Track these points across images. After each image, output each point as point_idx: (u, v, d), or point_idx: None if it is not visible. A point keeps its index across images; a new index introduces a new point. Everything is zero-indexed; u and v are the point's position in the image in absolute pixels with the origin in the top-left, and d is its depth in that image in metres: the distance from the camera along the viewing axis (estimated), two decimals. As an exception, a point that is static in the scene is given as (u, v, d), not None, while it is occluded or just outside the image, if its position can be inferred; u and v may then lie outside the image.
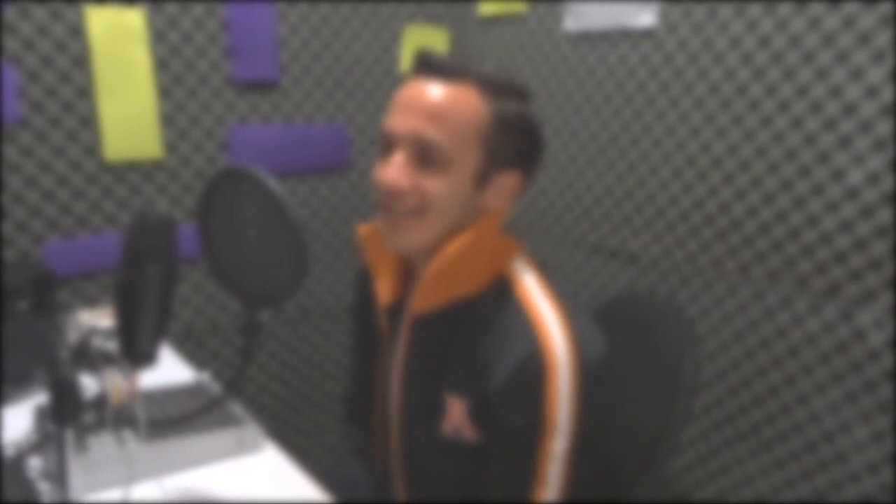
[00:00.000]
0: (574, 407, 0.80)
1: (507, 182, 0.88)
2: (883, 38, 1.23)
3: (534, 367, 0.79)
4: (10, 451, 0.93)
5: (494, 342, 0.84)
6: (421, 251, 0.88)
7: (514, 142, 0.87)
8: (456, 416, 0.87)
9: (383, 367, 0.98)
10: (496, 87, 0.85)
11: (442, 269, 0.85)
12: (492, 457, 0.85)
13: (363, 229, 0.96)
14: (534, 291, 0.86)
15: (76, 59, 1.52)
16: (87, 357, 0.81)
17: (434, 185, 0.82)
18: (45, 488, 0.87)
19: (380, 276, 0.95)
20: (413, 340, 0.92)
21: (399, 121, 0.84)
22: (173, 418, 0.93)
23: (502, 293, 0.86)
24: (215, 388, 1.20)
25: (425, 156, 0.82)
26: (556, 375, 0.79)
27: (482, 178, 0.85)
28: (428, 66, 0.85)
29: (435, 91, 0.83)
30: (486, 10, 1.98)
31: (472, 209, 0.86)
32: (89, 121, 1.56)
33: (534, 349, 0.80)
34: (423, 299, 0.87)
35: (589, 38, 1.73)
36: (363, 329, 1.07)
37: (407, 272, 0.96)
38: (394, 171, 0.82)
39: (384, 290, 0.94)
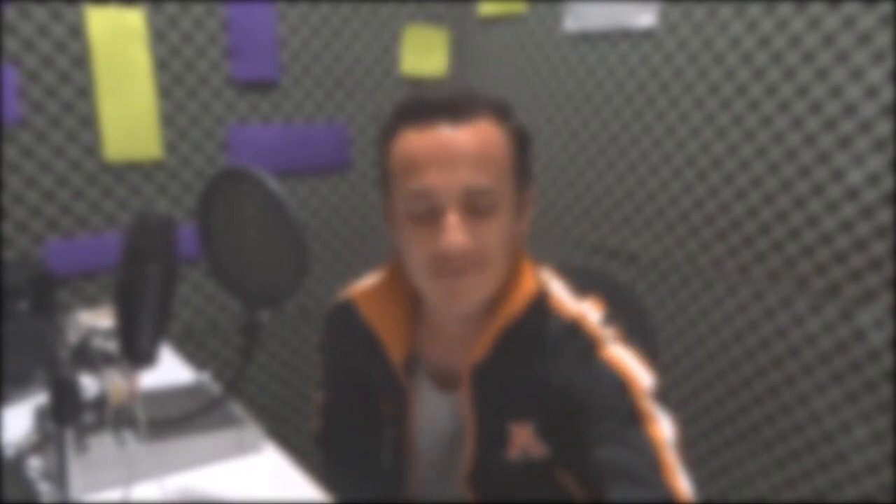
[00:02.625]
0: (637, 355, 0.84)
1: (529, 201, 0.87)
2: (883, 38, 1.23)
3: (602, 368, 0.82)
4: (10, 451, 0.93)
5: (553, 359, 0.84)
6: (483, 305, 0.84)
7: (526, 157, 0.85)
8: (522, 439, 0.87)
9: (408, 421, 0.93)
10: (501, 109, 0.83)
11: (510, 312, 0.83)
12: (596, 440, 0.82)
13: (358, 295, 0.93)
14: (565, 297, 0.88)
15: (76, 59, 1.52)
16: (87, 357, 0.81)
17: (491, 232, 0.79)
18: (45, 488, 0.87)
19: (388, 336, 0.90)
20: (475, 386, 0.87)
21: (440, 178, 0.77)
22: (173, 418, 0.92)
23: (540, 310, 0.86)
24: (215, 388, 1.20)
25: (475, 205, 0.78)
26: (612, 352, 0.82)
27: (517, 207, 0.84)
28: (435, 109, 0.79)
29: (464, 136, 0.78)
30: (486, 10, 1.98)
31: (513, 241, 0.84)
32: (89, 121, 1.56)
33: (593, 354, 0.82)
34: (481, 347, 0.84)
35: (589, 38, 1.73)
36: (348, 378, 1.02)
37: (410, 320, 0.93)
38: (456, 235, 0.76)
39: (398, 349, 0.89)
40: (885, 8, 1.22)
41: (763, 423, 1.49)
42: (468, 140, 0.78)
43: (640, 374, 0.82)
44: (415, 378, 0.92)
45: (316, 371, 2.05)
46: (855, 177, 1.30)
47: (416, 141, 0.79)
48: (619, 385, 0.81)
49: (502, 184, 0.80)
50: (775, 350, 1.45)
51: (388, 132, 0.83)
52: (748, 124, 1.44)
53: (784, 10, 1.35)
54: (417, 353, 0.92)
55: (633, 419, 0.79)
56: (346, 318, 0.98)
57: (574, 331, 0.84)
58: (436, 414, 0.93)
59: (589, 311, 0.86)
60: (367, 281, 0.96)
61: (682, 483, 0.78)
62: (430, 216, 0.78)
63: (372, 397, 0.99)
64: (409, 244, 0.81)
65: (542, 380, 0.84)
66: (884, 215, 1.27)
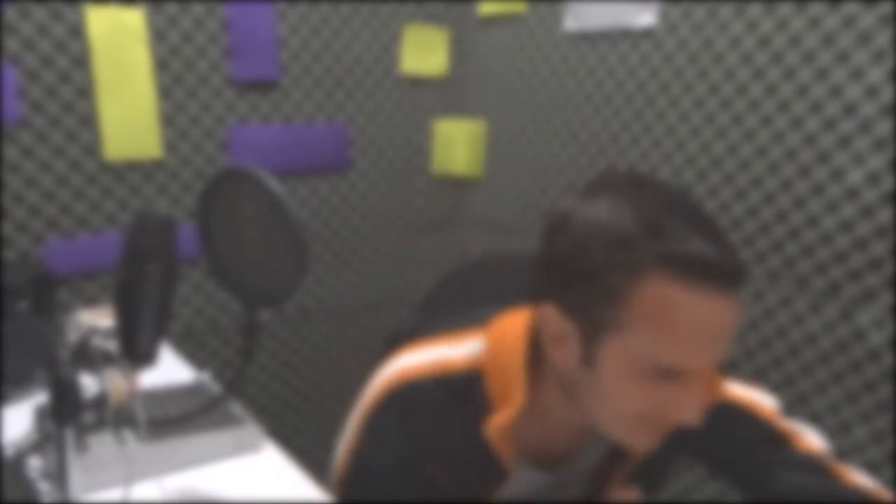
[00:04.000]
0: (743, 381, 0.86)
1: None
2: (883, 38, 1.23)
3: (729, 415, 0.83)
4: (10, 451, 0.93)
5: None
6: None
7: None
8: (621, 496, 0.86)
9: (483, 497, 0.85)
10: None
11: None
12: (758, 477, 0.82)
13: (497, 431, 0.76)
14: None
15: (76, 59, 1.52)
16: (87, 357, 0.81)
17: None
18: (45, 488, 0.87)
19: (509, 449, 0.79)
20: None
21: (710, 357, 0.66)
22: (173, 418, 0.93)
23: None
24: (215, 388, 1.20)
25: None
26: (732, 393, 0.84)
27: None
28: (732, 276, 0.65)
29: (736, 317, 0.66)
30: (486, 10, 1.98)
31: None
32: (89, 121, 1.56)
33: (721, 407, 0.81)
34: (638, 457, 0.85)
35: (589, 38, 1.73)
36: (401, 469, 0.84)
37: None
38: (700, 409, 0.68)
39: (508, 447, 0.78)
40: (885, 8, 1.22)
41: (763, 423, 1.49)
42: (738, 316, 0.67)
43: (760, 399, 0.85)
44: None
45: (315, 371, 2.06)
46: (855, 177, 1.30)
47: (702, 310, 0.63)
48: (750, 420, 0.83)
49: None
50: (775, 350, 1.45)
51: (641, 259, 0.64)
52: (748, 124, 1.44)
53: (784, 10, 1.35)
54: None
55: (780, 440, 0.82)
56: (429, 401, 0.81)
57: None
58: (523, 490, 0.86)
59: None
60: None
61: (860, 479, 0.79)
62: (671, 375, 0.66)
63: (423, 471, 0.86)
64: (628, 390, 0.68)
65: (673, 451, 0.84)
66: (884, 215, 1.27)
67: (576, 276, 0.68)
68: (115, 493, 0.90)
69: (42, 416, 0.95)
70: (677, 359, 0.65)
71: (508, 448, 0.78)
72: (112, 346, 0.88)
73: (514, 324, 0.80)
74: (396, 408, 0.81)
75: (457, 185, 2.16)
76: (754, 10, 1.39)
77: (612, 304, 0.65)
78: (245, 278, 0.83)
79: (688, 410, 0.66)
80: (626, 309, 0.65)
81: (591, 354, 0.69)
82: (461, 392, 0.79)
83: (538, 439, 0.82)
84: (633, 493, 0.84)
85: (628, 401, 0.68)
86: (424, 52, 2.02)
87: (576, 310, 0.69)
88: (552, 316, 0.71)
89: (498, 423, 0.75)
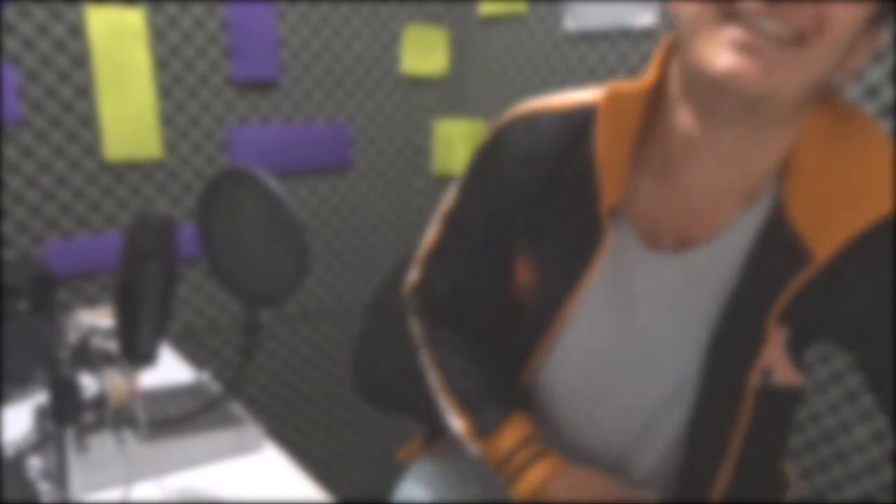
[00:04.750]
0: None
1: (874, 43, 0.63)
2: (883, 39, 1.23)
3: None
4: (10, 451, 0.93)
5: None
6: (776, 102, 0.60)
7: None
8: (772, 350, 0.71)
9: (574, 280, 0.75)
10: None
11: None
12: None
13: (611, 101, 0.70)
14: None
15: (76, 59, 1.52)
16: (87, 357, 0.82)
17: (842, 5, 0.55)
18: (45, 488, 0.87)
19: (615, 165, 0.69)
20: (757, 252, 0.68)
21: None
22: (173, 418, 0.93)
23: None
24: (215, 388, 1.20)
25: None
26: None
27: (874, 22, 0.61)
28: None
29: None
30: (486, 10, 1.98)
31: (834, 68, 0.61)
32: (89, 121, 1.56)
33: None
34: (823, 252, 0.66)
35: (589, 38, 1.73)
36: (486, 221, 0.83)
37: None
38: None
39: (617, 184, 0.69)
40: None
41: (763, 423, 1.49)
42: None
43: None
44: (613, 228, 0.72)
45: (315, 371, 2.06)
46: (855, 177, 1.30)
47: None
48: None
49: None
50: (775, 350, 1.45)
51: None
52: (748, 124, 1.44)
53: (784, 9, 1.35)
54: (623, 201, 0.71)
55: None
56: (549, 131, 0.75)
57: None
58: (624, 282, 0.74)
59: None
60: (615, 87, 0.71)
61: None
62: None
63: (503, 262, 0.85)
64: None
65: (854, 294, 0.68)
66: (884, 215, 1.27)
67: None
68: (115, 493, 0.90)
69: (42, 416, 0.95)
70: None
71: (615, 168, 0.68)
72: (112, 346, 0.88)
73: None
74: (507, 135, 0.79)
75: (457, 185, 2.16)
76: (754, 10, 1.39)
77: None
78: (245, 278, 0.83)
79: None
80: None
81: None
82: (580, 122, 0.73)
83: (655, 204, 0.72)
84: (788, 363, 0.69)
85: None
86: (424, 52, 2.02)
87: None
88: None
89: (618, 90, 0.68)
